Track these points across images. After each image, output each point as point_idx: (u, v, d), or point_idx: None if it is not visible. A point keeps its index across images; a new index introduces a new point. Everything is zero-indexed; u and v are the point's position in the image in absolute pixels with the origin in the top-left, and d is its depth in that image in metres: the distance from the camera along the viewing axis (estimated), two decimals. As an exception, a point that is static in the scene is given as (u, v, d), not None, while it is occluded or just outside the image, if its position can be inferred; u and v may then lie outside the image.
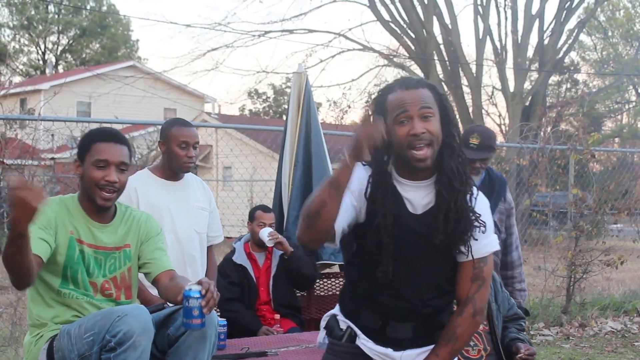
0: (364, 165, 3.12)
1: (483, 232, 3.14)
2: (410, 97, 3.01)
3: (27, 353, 3.62)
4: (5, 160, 7.46)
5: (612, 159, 18.77)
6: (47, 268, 3.53)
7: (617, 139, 39.99)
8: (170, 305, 3.69)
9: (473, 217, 3.10)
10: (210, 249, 5.16)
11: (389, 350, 3.23)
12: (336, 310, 3.38)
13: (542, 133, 12.56)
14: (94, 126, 13.15)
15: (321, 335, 3.42)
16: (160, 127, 5.38)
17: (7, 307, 7.74)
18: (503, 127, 31.56)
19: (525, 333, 4.57)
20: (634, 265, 12.44)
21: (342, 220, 2.98)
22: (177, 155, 4.77)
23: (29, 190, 2.90)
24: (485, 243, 3.17)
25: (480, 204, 3.17)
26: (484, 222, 3.14)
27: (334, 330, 3.32)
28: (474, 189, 3.17)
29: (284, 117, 7.61)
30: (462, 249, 3.12)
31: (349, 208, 3.02)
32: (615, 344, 9.11)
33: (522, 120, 23.96)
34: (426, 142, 2.98)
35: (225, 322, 4.60)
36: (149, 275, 3.84)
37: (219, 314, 4.68)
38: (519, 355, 4.27)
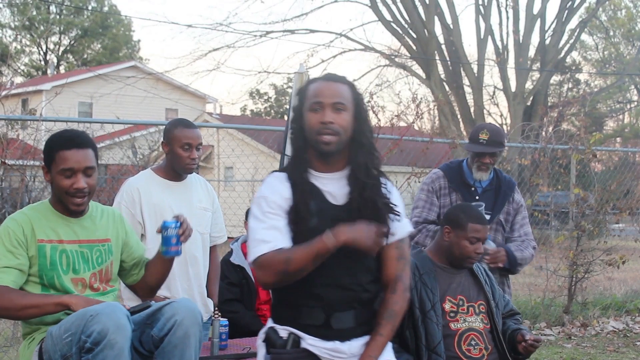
0: (276, 172, 3.36)
1: (398, 220, 3.35)
2: (327, 89, 3.25)
3: (21, 356, 3.65)
4: (6, 161, 7.46)
5: (613, 159, 18.77)
6: (26, 282, 3.57)
7: (618, 139, 40.03)
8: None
9: (387, 207, 3.31)
10: (213, 249, 5.16)
11: (337, 343, 3.27)
12: (270, 323, 3.40)
13: (543, 133, 12.55)
14: (96, 126, 13.18)
15: (261, 353, 3.37)
16: (161, 127, 5.39)
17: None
18: (505, 126, 31.53)
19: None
20: (636, 264, 12.43)
21: (286, 238, 3.20)
22: (180, 156, 4.76)
23: None
24: (402, 225, 3.38)
25: (394, 195, 3.40)
26: (398, 212, 3.35)
27: (276, 341, 3.30)
28: (388, 182, 3.40)
29: (286, 117, 7.62)
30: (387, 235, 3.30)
31: (285, 227, 3.22)
32: (617, 343, 9.11)
33: (523, 120, 23.98)
34: (333, 131, 3.20)
35: (227, 322, 4.60)
36: (138, 271, 3.98)
37: (219, 314, 4.68)
38: (526, 340, 4.29)
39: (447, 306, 4.29)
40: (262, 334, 3.39)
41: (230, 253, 5.74)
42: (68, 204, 3.62)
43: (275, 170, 3.39)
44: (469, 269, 4.47)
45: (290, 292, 3.27)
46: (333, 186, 3.29)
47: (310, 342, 3.26)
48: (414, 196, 11.97)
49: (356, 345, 3.30)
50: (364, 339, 3.32)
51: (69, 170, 3.57)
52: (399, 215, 3.36)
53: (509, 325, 4.48)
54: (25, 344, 3.64)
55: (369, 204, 3.26)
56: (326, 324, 3.25)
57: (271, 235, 3.18)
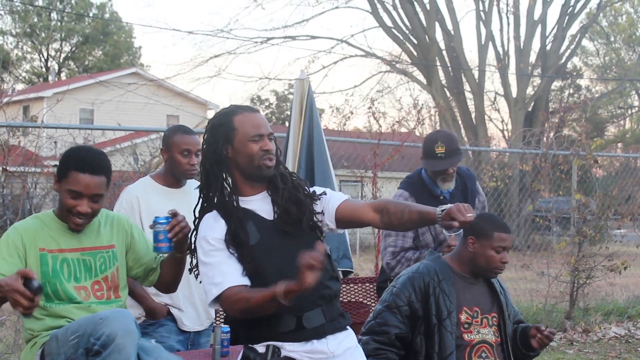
0: (208, 214, 3.49)
1: (325, 196, 3.54)
2: (261, 120, 3.50)
3: None
4: (8, 168, 7.47)
5: (615, 164, 18.74)
6: None
7: (620, 144, 39.99)
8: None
9: (309, 196, 3.52)
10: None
11: (314, 343, 3.38)
12: (241, 348, 3.48)
13: (544, 138, 12.57)
14: (97, 133, 13.18)
15: None
16: (162, 134, 5.38)
17: (10, 314, 7.76)
18: (506, 132, 31.56)
19: None
20: (638, 270, 12.43)
21: (238, 275, 3.34)
22: (179, 162, 4.77)
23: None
24: (334, 195, 3.54)
25: (317, 190, 3.59)
26: (318, 196, 3.54)
27: (256, 357, 3.37)
28: (303, 181, 3.60)
29: (287, 124, 7.62)
30: (320, 220, 3.50)
31: (234, 263, 3.36)
32: (619, 349, 9.11)
33: (524, 125, 23.98)
34: (272, 156, 3.45)
35: (229, 329, 4.59)
36: (154, 272, 3.95)
37: (221, 321, 4.68)
38: (542, 331, 4.32)
39: (463, 317, 4.26)
40: (239, 356, 3.44)
41: None
42: (69, 221, 3.64)
43: (205, 211, 3.53)
44: (486, 280, 4.45)
45: None
46: (262, 205, 3.48)
47: (289, 349, 3.34)
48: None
49: (334, 344, 3.42)
50: (339, 336, 3.46)
51: (77, 193, 3.57)
52: (319, 197, 3.53)
53: (517, 327, 4.49)
54: (27, 348, 3.64)
55: (290, 200, 3.46)
56: (299, 326, 3.35)
57: (223, 273, 3.33)
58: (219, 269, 3.33)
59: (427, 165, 5.24)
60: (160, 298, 4.74)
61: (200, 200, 3.55)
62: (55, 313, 3.59)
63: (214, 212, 3.47)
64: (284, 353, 3.34)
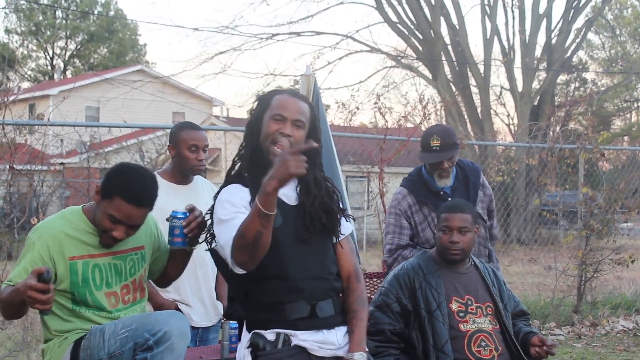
0: (233, 183, 3.48)
1: (347, 219, 3.62)
2: (293, 104, 3.45)
3: (49, 354, 3.57)
4: (15, 166, 7.48)
5: (621, 158, 18.72)
6: (56, 294, 3.46)
7: (626, 138, 39.94)
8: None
9: (339, 210, 3.54)
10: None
11: (324, 333, 3.39)
12: (248, 334, 3.45)
13: (551, 132, 12.56)
14: (103, 130, 13.19)
15: None
16: (168, 130, 5.39)
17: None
18: (512, 127, 31.50)
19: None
20: (645, 263, 12.41)
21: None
22: (187, 158, 4.77)
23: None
24: (347, 224, 3.62)
25: (342, 196, 3.70)
26: (349, 214, 3.66)
27: (264, 344, 3.35)
28: (334, 184, 3.61)
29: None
30: (333, 234, 3.54)
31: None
32: (627, 342, 9.10)
33: (530, 119, 23.94)
34: (284, 143, 3.36)
35: (237, 325, 4.59)
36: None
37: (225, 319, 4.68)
38: (543, 345, 4.30)
39: (454, 306, 4.30)
40: (246, 341, 3.42)
41: None
42: (100, 237, 3.57)
43: (228, 183, 3.49)
44: (477, 270, 4.48)
45: (271, 295, 3.35)
46: (285, 189, 3.34)
47: (301, 338, 3.34)
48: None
49: (341, 335, 3.45)
50: (343, 329, 3.47)
51: (117, 219, 3.50)
52: (348, 217, 3.63)
53: (520, 327, 4.48)
54: (56, 341, 3.56)
55: (323, 210, 3.47)
56: (312, 314, 3.37)
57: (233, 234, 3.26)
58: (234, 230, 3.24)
59: (421, 157, 5.24)
60: (168, 294, 4.74)
61: (232, 169, 3.52)
62: (84, 317, 3.55)
63: (237, 184, 3.46)
64: (294, 342, 3.33)
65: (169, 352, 3.24)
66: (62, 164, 20.88)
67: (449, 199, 5.08)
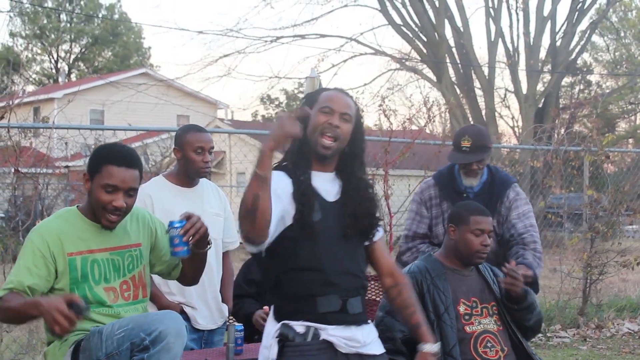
0: (280, 170, 3.54)
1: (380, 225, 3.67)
2: (340, 98, 3.54)
3: (50, 357, 3.58)
4: (20, 169, 7.49)
5: (626, 160, 18.72)
6: (55, 293, 3.51)
7: (631, 140, 39.84)
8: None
9: (377, 215, 3.62)
10: (226, 254, 5.16)
11: (353, 329, 3.45)
12: (274, 322, 3.49)
13: (555, 135, 12.54)
14: (108, 134, 13.21)
15: (273, 352, 3.43)
16: (173, 133, 5.39)
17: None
18: (516, 129, 31.50)
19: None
20: (650, 266, 12.38)
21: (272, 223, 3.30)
22: (193, 160, 4.77)
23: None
24: (380, 229, 3.68)
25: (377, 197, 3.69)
26: (381, 219, 3.69)
27: (293, 336, 3.39)
28: (373, 186, 3.67)
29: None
30: (370, 236, 3.62)
31: (276, 212, 3.31)
32: (633, 345, 9.09)
33: (535, 122, 23.90)
34: (335, 135, 3.46)
35: (242, 327, 4.59)
36: (177, 268, 3.92)
37: (234, 320, 4.68)
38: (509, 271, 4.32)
39: (462, 309, 4.29)
40: (274, 331, 3.44)
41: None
42: (102, 218, 3.58)
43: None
44: (477, 270, 4.47)
45: (305, 286, 3.39)
46: (326, 184, 3.53)
47: (330, 333, 3.38)
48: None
49: (366, 333, 3.52)
50: (367, 327, 3.57)
51: (113, 186, 3.52)
52: (381, 221, 3.67)
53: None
54: (56, 344, 3.56)
55: (365, 212, 3.56)
56: (343, 309, 3.40)
57: None
58: None
59: (450, 156, 5.19)
60: (173, 297, 4.75)
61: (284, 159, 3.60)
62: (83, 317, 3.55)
63: (281, 172, 3.52)
64: (323, 336, 3.37)
65: (165, 352, 3.23)
66: (67, 167, 20.87)
67: (468, 201, 4.93)
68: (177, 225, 3.59)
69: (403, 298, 3.65)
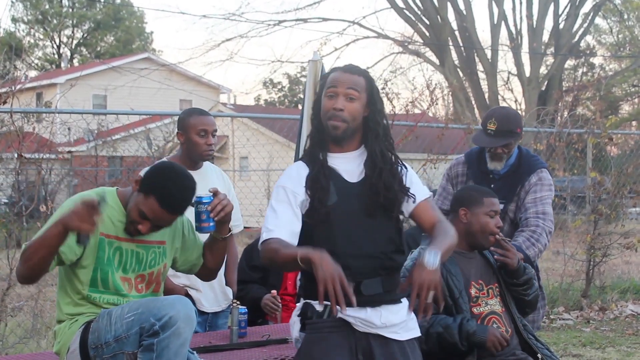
0: (298, 162, 3.59)
1: (413, 201, 3.57)
2: (343, 78, 3.51)
3: (60, 336, 3.57)
4: (23, 154, 7.49)
5: (629, 143, 18.66)
6: (75, 271, 3.50)
7: (634, 122, 39.81)
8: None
9: (401, 190, 3.54)
10: (230, 238, 5.16)
11: (368, 311, 3.45)
12: (302, 301, 3.60)
13: (559, 117, 12.50)
14: (111, 118, 13.19)
15: (296, 328, 3.55)
16: (176, 118, 5.39)
17: (28, 299, 7.79)
18: (519, 112, 31.44)
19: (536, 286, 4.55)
20: (654, 248, 12.38)
21: (288, 229, 3.41)
22: (197, 143, 4.77)
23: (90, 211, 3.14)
24: (420, 190, 3.62)
25: (409, 174, 3.64)
26: (413, 194, 3.57)
27: (313, 314, 3.48)
28: (403, 165, 3.62)
29: (300, 106, 7.61)
30: (398, 210, 3.56)
31: (292, 218, 3.45)
32: (636, 326, 9.10)
33: (538, 104, 23.89)
34: (341, 119, 3.46)
35: (246, 310, 4.61)
36: (196, 266, 3.92)
37: (238, 303, 4.69)
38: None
39: (473, 291, 4.29)
40: (296, 309, 3.57)
41: None
42: (128, 224, 3.55)
43: (299, 160, 3.62)
44: (479, 252, 4.47)
45: None
46: (347, 165, 3.53)
47: (346, 312, 3.36)
48: (430, 183, 11.96)
49: (386, 315, 3.48)
50: (393, 308, 3.52)
51: (146, 216, 3.48)
52: (413, 197, 3.57)
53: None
54: (66, 323, 3.55)
55: (384, 185, 3.49)
56: (356, 290, 3.34)
57: (276, 224, 3.42)
58: (277, 219, 3.42)
59: (475, 137, 5.13)
60: (178, 279, 4.76)
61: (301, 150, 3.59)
62: (95, 304, 3.54)
63: (301, 163, 3.57)
64: (339, 315, 3.38)
65: (175, 338, 3.23)
66: (69, 152, 20.91)
67: (492, 185, 4.92)
68: (205, 200, 3.59)
69: (433, 234, 3.57)
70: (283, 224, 3.42)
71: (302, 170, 3.52)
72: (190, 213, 3.64)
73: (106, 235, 3.52)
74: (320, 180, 3.45)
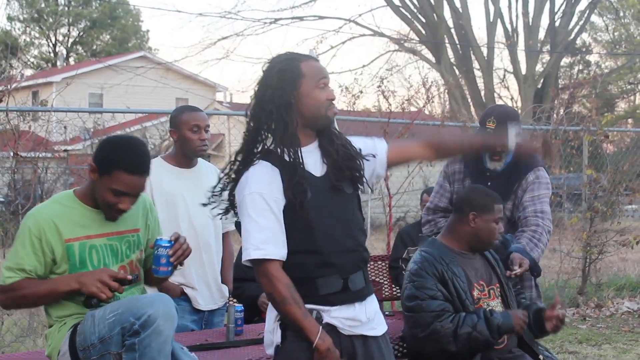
0: (261, 162, 3.35)
1: (370, 159, 3.52)
2: (325, 70, 3.48)
3: (50, 339, 3.59)
4: (19, 153, 7.48)
5: (625, 140, 18.68)
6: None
7: (630, 120, 39.83)
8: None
9: (358, 154, 3.47)
10: (226, 235, 5.16)
11: (355, 307, 3.38)
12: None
13: (554, 115, 12.51)
14: (107, 117, 13.17)
15: (277, 336, 3.35)
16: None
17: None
18: (515, 109, 31.47)
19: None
20: (650, 245, 12.40)
21: (280, 242, 3.27)
22: (190, 139, 4.77)
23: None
24: (378, 143, 3.60)
25: (356, 143, 3.54)
26: (365, 155, 3.49)
27: None
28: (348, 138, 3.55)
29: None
30: (360, 183, 3.48)
31: (279, 228, 3.28)
32: (632, 323, 9.11)
33: (534, 102, 23.89)
34: (335, 106, 3.45)
35: (242, 308, 4.61)
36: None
37: (234, 300, 4.70)
38: (557, 313, 4.35)
39: (476, 293, 4.30)
40: (276, 315, 3.35)
41: None
42: (105, 213, 3.56)
43: (258, 159, 3.37)
44: (481, 253, 4.47)
45: (302, 269, 3.30)
46: (311, 159, 3.38)
47: (333, 315, 3.32)
48: (426, 180, 11.96)
49: (370, 308, 3.44)
50: (370, 299, 3.47)
51: (122, 192, 3.48)
52: (368, 159, 3.50)
53: (524, 305, 4.49)
54: (56, 327, 3.57)
55: (345, 156, 3.42)
56: (345, 288, 3.33)
57: (264, 239, 3.24)
58: (262, 232, 3.24)
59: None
60: (173, 277, 4.74)
61: (245, 146, 3.39)
62: (80, 303, 3.53)
63: (266, 163, 3.33)
64: (325, 319, 3.29)
65: (156, 335, 3.22)
66: (65, 150, 20.86)
67: (488, 183, 4.86)
68: (165, 244, 3.55)
69: (451, 146, 3.66)
70: (274, 239, 3.26)
71: (271, 171, 3.30)
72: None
73: (74, 239, 3.52)
74: (302, 183, 3.27)
